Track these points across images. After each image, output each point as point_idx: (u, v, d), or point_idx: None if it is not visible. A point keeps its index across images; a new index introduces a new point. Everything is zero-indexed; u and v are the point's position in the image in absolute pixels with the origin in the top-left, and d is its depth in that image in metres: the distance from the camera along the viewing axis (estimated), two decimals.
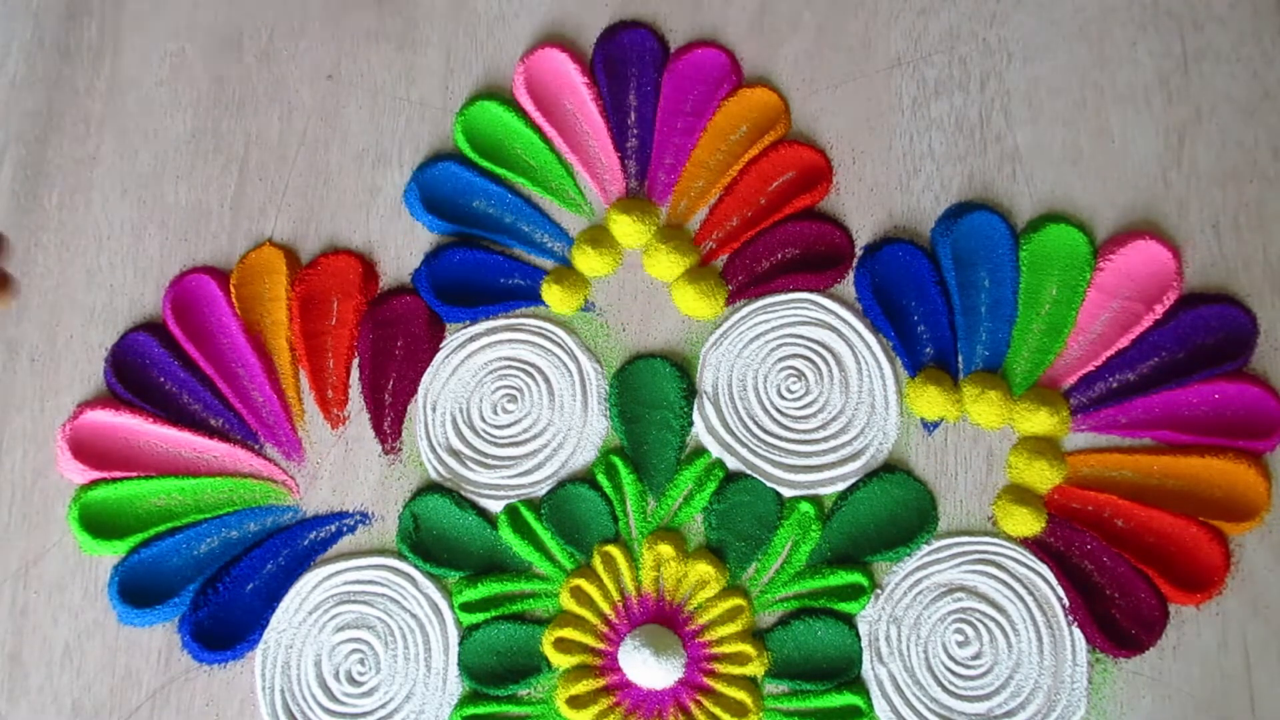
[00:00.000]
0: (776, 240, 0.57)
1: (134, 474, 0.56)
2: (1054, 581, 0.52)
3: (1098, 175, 0.57)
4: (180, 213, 0.60)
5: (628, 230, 0.58)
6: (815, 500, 0.54)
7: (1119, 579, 0.52)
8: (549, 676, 0.53)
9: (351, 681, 0.54)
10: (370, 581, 0.55)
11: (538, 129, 0.60)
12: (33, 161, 0.61)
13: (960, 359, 0.55)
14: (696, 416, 0.55)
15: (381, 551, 0.55)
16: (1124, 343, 0.54)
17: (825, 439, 0.55)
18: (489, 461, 0.56)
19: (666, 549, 0.54)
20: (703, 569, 0.53)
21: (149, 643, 0.55)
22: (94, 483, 0.56)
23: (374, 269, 0.59)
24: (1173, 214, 0.56)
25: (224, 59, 0.62)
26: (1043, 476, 0.53)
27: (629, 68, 0.60)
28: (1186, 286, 0.55)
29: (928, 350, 0.56)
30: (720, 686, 0.52)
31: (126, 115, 0.62)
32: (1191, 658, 0.51)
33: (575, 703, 0.52)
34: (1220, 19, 0.58)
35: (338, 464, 0.57)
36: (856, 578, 0.53)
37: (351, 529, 0.56)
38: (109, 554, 0.56)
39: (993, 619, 0.52)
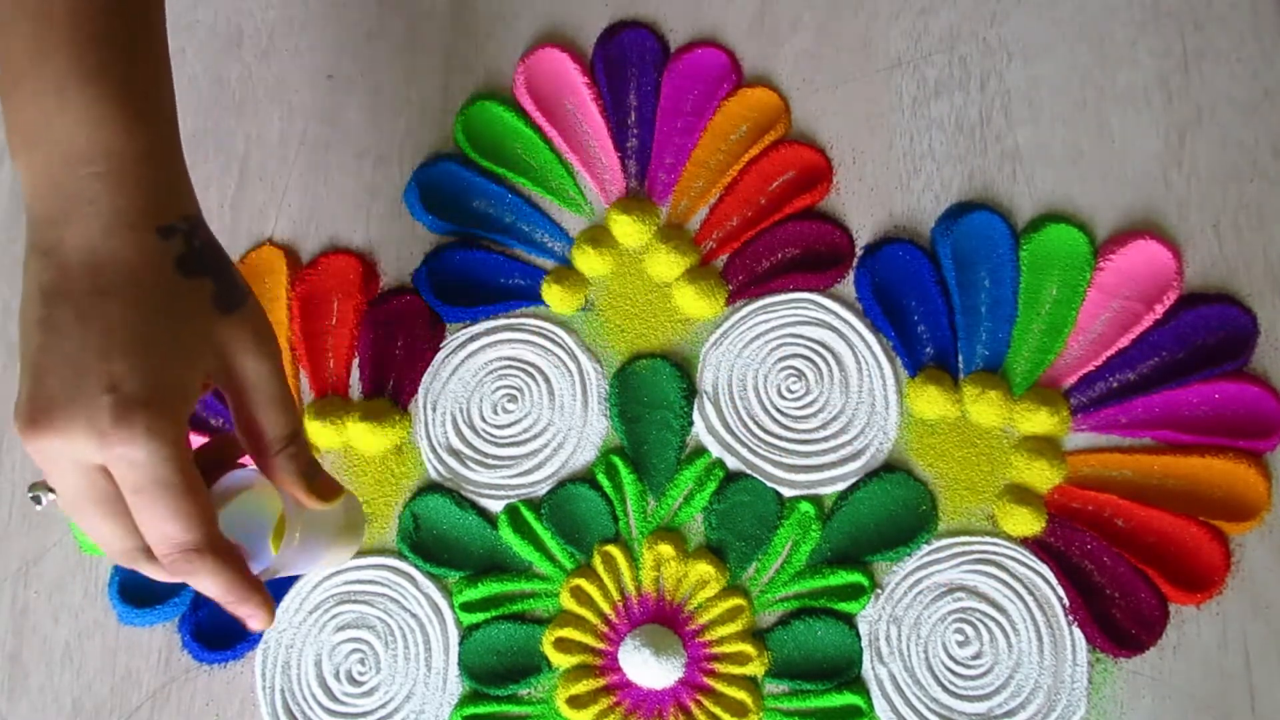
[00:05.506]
0: (776, 240, 0.57)
1: None
2: (1054, 581, 0.52)
3: (1098, 175, 0.57)
4: None
5: (628, 230, 0.58)
6: (815, 500, 0.54)
7: (1119, 579, 0.52)
8: (549, 676, 0.53)
9: (352, 681, 0.54)
10: (370, 581, 0.55)
11: (538, 129, 0.60)
12: None
13: (960, 359, 0.55)
14: (696, 416, 0.55)
15: (381, 551, 0.55)
16: (1124, 343, 0.54)
17: (825, 439, 0.55)
18: (489, 461, 0.56)
19: (666, 549, 0.54)
20: (703, 569, 0.53)
21: (149, 643, 0.55)
22: None
23: (374, 269, 0.59)
24: (1173, 214, 0.56)
25: (224, 59, 0.62)
26: (1043, 476, 0.53)
27: (629, 68, 0.60)
28: (1186, 286, 0.55)
29: (928, 350, 0.55)
30: (720, 686, 0.52)
31: None
32: (1191, 658, 0.51)
33: (575, 703, 0.52)
34: (1220, 19, 0.58)
35: (337, 464, 0.57)
36: (856, 577, 0.53)
37: None
38: None
39: (993, 619, 0.52)
